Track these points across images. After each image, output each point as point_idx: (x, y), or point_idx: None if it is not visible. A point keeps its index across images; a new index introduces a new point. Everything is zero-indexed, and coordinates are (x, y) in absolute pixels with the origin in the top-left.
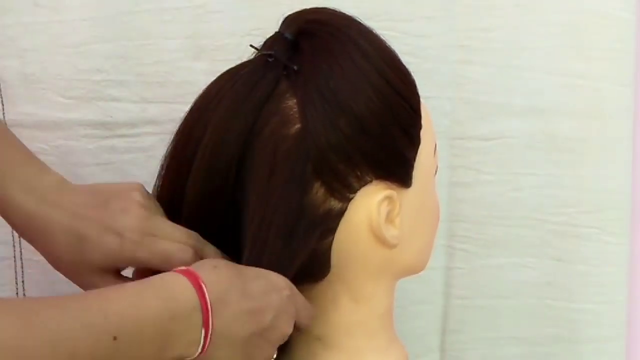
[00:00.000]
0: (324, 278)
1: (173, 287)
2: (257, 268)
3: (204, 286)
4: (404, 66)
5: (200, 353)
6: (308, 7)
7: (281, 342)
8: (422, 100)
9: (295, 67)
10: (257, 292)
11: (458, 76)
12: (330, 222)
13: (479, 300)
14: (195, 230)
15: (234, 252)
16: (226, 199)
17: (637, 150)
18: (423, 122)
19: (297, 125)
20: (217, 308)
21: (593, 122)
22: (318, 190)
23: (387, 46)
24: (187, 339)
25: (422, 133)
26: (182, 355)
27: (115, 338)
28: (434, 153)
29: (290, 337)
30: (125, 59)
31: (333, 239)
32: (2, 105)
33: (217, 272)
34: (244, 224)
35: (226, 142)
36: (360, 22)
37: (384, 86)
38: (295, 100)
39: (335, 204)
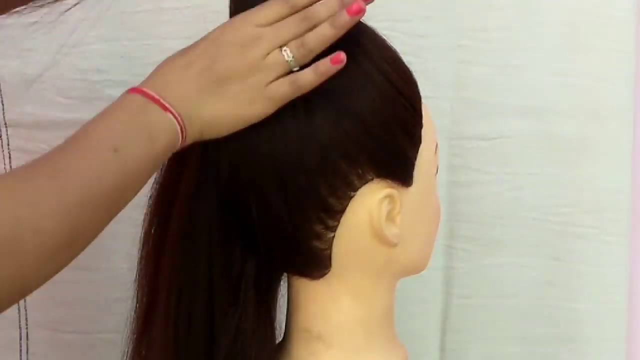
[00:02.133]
0: (324, 276)
1: (131, 101)
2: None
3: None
4: (405, 66)
5: (183, 135)
6: None
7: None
8: (422, 99)
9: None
10: (192, 47)
11: (458, 76)
12: (330, 220)
13: (479, 300)
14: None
15: (229, 249)
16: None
17: (637, 150)
18: (424, 121)
19: (300, 124)
20: (166, 90)
21: (593, 122)
22: (319, 188)
23: (388, 45)
24: (162, 127)
25: (423, 132)
26: (170, 143)
27: (115, 149)
28: (435, 152)
29: (289, 337)
30: (125, 59)
31: (334, 237)
32: (2, 105)
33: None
34: (242, 220)
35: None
36: (361, 22)
37: (385, 85)
38: (297, 99)
39: (336, 202)
